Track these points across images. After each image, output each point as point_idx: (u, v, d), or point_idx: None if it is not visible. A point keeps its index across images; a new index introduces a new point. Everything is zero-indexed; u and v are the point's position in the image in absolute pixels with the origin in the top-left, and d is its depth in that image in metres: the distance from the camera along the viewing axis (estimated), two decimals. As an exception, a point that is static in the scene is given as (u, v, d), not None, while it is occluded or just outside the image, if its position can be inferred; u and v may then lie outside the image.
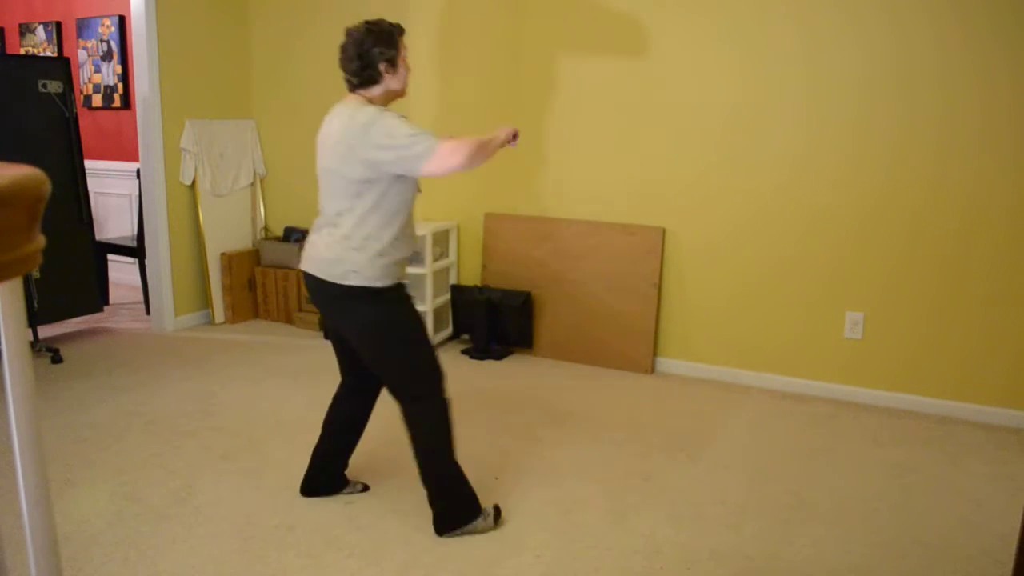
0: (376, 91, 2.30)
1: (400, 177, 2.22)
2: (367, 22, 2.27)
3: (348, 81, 2.30)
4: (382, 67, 2.26)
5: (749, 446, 3.08)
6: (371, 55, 2.24)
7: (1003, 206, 3.23)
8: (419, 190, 2.36)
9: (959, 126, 3.25)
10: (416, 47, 4.32)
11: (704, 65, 3.65)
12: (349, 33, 2.27)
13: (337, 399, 2.56)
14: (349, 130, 2.19)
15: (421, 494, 2.62)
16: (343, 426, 2.55)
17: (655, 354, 3.98)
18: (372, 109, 2.21)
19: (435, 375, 2.34)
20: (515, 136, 2.39)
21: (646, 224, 3.90)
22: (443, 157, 2.14)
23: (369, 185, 2.20)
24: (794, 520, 2.52)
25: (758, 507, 2.60)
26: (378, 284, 2.24)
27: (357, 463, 2.84)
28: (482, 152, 2.20)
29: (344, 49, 2.27)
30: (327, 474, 2.60)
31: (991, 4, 3.11)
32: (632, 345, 3.93)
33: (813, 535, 2.43)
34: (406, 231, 2.31)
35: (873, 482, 2.80)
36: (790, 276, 3.65)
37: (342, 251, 2.22)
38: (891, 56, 3.31)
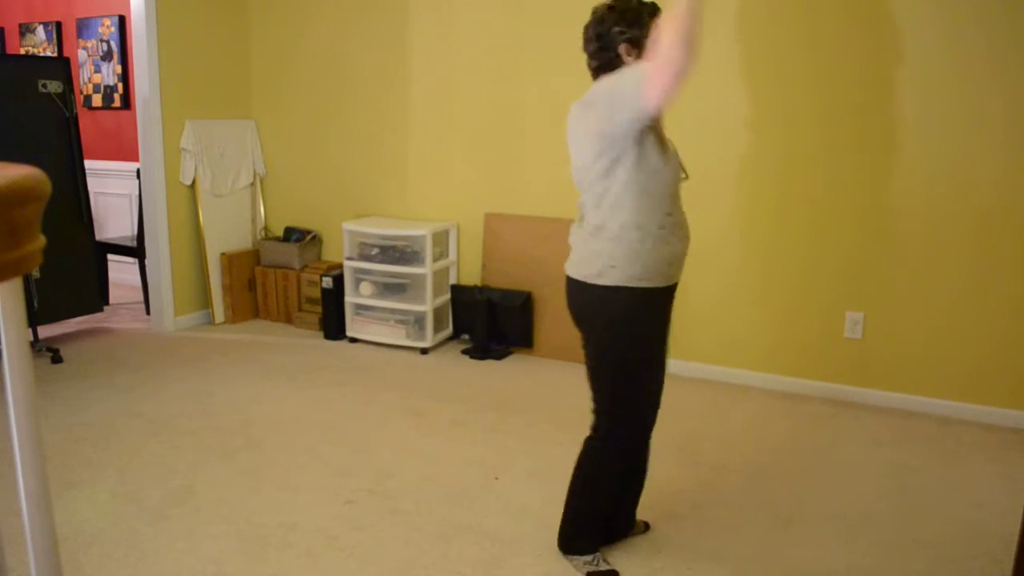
0: None
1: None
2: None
3: (589, 67, 2.11)
4: (623, 49, 2.02)
5: (749, 446, 3.08)
6: (611, 36, 2.02)
7: (1003, 206, 3.23)
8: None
9: (952, 124, 3.25)
10: (416, 46, 4.32)
11: (705, 66, 3.65)
12: (593, 11, 2.06)
13: None
14: (590, 98, 2.02)
15: (422, 495, 2.62)
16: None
17: (655, 354, 3.98)
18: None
19: None
20: None
21: (646, 224, 3.89)
22: (661, 70, 1.75)
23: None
24: (794, 520, 2.52)
25: (758, 507, 2.60)
26: None
27: (354, 465, 2.84)
28: (690, 32, 1.72)
29: (585, 29, 2.07)
30: (624, 512, 2.35)
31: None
32: (632, 345, 3.93)
33: (813, 535, 2.43)
34: None
35: (873, 482, 2.80)
36: (790, 276, 3.64)
37: (601, 247, 2.06)
38: (886, 55, 3.31)
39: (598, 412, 2.16)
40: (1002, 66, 3.13)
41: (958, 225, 3.31)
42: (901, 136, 3.35)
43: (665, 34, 1.75)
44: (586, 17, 2.14)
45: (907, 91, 3.30)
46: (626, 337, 2.05)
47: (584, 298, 2.06)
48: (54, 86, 4.10)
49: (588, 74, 4.01)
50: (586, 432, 2.21)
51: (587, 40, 2.08)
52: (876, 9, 3.30)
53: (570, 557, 2.26)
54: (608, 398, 2.13)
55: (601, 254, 1.99)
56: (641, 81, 1.82)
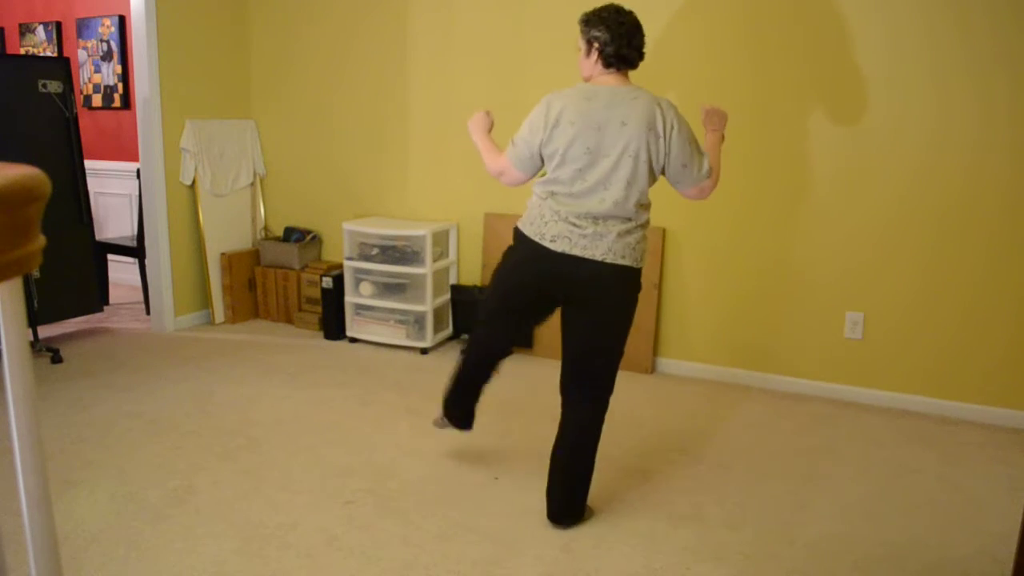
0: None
1: None
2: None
3: (627, 59, 2.30)
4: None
5: (749, 446, 3.08)
6: None
7: (1003, 206, 3.23)
8: None
9: (955, 124, 3.25)
10: (416, 46, 4.32)
11: (702, 62, 3.65)
12: (629, 13, 2.30)
13: (495, 338, 2.56)
14: (661, 117, 2.25)
15: (422, 495, 2.62)
16: (495, 359, 2.59)
17: (655, 354, 3.98)
18: (663, 99, 2.31)
19: None
20: None
21: (646, 224, 3.89)
22: (707, 190, 2.36)
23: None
24: (794, 520, 2.52)
25: (758, 507, 2.60)
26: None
27: (353, 460, 2.84)
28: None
29: (637, 27, 2.29)
30: (469, 396, 2.67)
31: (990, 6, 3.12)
32: (632, 345, 3.93)
33: (813, 535, 2.43)
34: None
35: (873, 482, 2.80)
36: (790, 276, 3.65)
37: (642, 236, 2.32)
38: (884, 55, 3.31)
39: (610, 377, 2.40)
40: (1011, 66, 3.14)
41: (958, 225, 3.31)
42: (901, 136, 3.35)
43: (717, 175, 2.40)
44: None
45: (908, 92, 3.30)
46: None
47: (635, 282, 2.34)
48: (54, 86, 4.10)
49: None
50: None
51: (640, 36, 2.32)
52: (862, 5, 3.30)
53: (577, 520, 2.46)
54: (618, 360, 2.41)
55: (642, 242, 2.32)
56: (703, 180, 2.34)
